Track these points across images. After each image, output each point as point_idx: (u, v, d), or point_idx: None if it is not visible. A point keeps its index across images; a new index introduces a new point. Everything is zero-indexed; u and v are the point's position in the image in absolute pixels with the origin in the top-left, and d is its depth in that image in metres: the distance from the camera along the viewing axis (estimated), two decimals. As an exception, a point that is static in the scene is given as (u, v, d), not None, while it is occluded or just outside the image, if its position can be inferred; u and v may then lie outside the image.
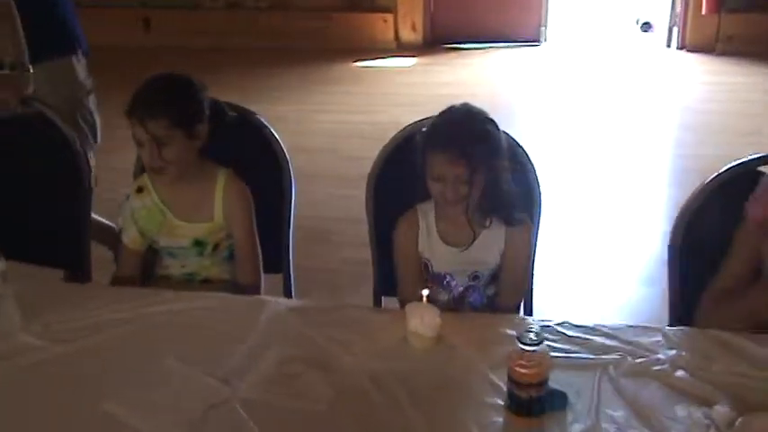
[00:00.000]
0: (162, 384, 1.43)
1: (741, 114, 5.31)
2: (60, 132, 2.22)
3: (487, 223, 1.81)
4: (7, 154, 2.26)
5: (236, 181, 2.03)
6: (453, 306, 1.87)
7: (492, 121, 1.80)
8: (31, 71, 2.40)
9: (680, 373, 1.44)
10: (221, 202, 2.00)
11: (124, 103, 1.91)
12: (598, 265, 3.45)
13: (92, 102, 2.83)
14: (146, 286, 2.11)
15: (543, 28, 7.08)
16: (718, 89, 5.84)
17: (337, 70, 6.49)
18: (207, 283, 2.06)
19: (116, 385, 1.43)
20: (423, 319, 1.53)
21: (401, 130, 2.06)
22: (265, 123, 2.20)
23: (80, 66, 2.79)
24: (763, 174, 1.71)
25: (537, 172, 2.02)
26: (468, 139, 1.71)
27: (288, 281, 2.24)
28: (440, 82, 6.18)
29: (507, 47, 6.98)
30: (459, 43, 6.97)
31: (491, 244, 1.83)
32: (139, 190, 2.03)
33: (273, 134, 2.20)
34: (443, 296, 1.88)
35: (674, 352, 1.50)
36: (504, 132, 1.89)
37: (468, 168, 1.69)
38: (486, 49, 6.94)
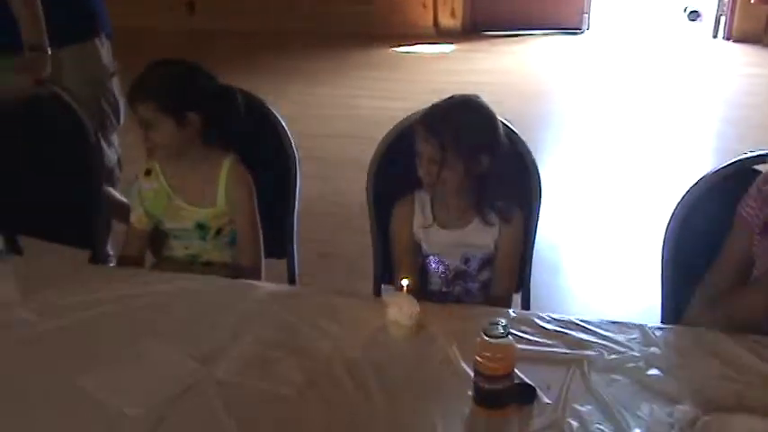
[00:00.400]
0: (138, 363, 1.48)
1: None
2: (75, 114, 2.29)
3: (471, 215, 1.86)
4: (23, 134, 2.34)
5: (239, 167, 2.07)
6: (446, 290, 1.89)
7: (488, 116, 1.81)
8: (49, 53, 2.46)
9: (653, 370, 1.43)
10: (224, 188, 2.05)
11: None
12: (632, 258, 3.42)
13: (115, 84, 2.89)
14: (154, 265, 2.19)
15: (586, 15, 6.99)
16: (761, 81, 5.70)
17: (375, 55, 6.51)
18: (209, 266, 2.11)
19: (94, 362, 1.48)
20: (401, 309, 1.55)
21: (401, 121, 2.07)
22: (272, 110, 2.22)
23: (104, 49, 2.84)
24: (758, 172, 1.68)
25: (537, 165, 2.01)
26: (446, 120, 1.76)
27: (291, 266, 2.28)
28: (478, 69, 6.16)
29: (548, 34, 6.91)
30: (499, 30, 6.92)
31: (485, 230, 1.87)
32: (147, 172, 2.09)
33: (280, 121, 2.22)
34: (435, 280, 1.91)
35: (650, 349, 1.49)
36: (505, 125, 1.90)
37: (440, 151, 1.74)
38: (527, 37, 6.89)
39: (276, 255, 2.24)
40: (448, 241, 1.88)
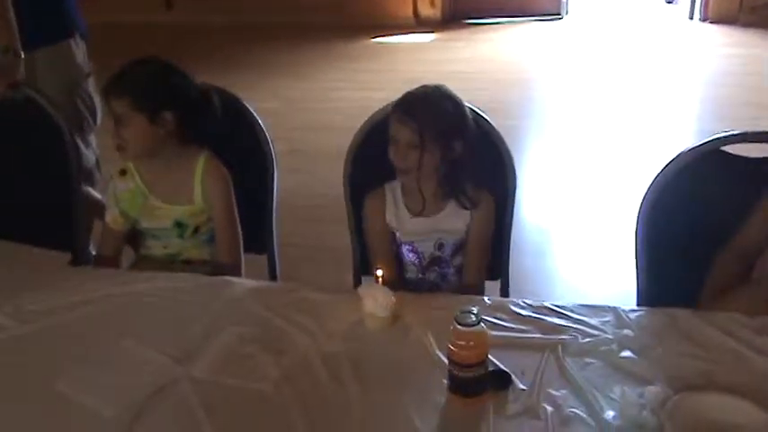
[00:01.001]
0: (116, 364, 1.49)
1: (760, 88, 5.21)
2: (50, 117, 2.28)
3: (443, 200, 1.89)
4: (-1, 138, 2.34)
5: (214, 163, 2.07)
6: (422, 276, 1.91)
7: (458, 103, 1.86)
8: (23, 56, 2.45)
9: (625, 352, 1.45)
10: (200, 184, 2.05)
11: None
12: (616, 240, 3.44)
13: (91, 85, 2.87)
14: (133, 264, 2.19)
15: (565, 1, 7.01)
16: (738, 61, 5.75)
17: (355, 47, 6.51)
18: (188, 264, 2.11)
19: (72, 365, 1.48)
20: (376, 300, 1.55)
21: (377, 111, 2.08)
22: (248, 106, 2.22)
23: (78, 49, 2.82)
24: (726, 153, 1.70)
25: (510, 152, 2.02)
26: (424, 107, 1.80)
27: (272, 261, 2.28)
28: (458, 58, 6.17)
29: (528, 21, 6.94)
30: (479, 18, 6.93)
31: (456, 215, 1.90)
32: (122, 172, 2.08)
33: (256, 117, 2.22)
34: (411, 267, 1.93)
35: (623, 331, 1.51)
36: (473, 111, 1.91)
37: (416, 133, 1.77)
38: (507, 25, 6.91)
39: (256, 250, 2.24)
40: (421, 228, 1.91)
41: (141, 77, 1.99)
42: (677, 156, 1.79)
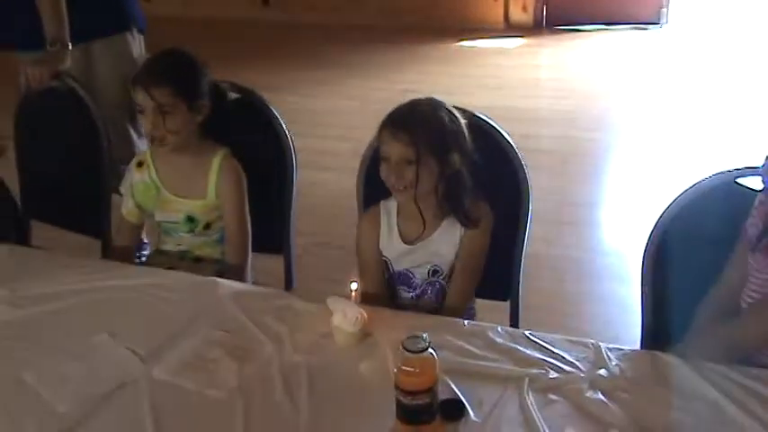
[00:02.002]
0: (83, 358, 1.50)
1: None
2: (87, 108, 2.35)
3: (440, 217, 1.79)
4: (39, 125, 2.43)
5: (231, 160, 2.08)
6: (415, 302, 1.84)
7: (454, 115, 1.76)
8: (70, 48, 2.52)
9: (594, 393, 1.35)
10: (215, 180, 2.06)
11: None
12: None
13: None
14: (148, 258, 2.23)
15: (664, 9, 6.71)
16: None
17: (439, 50, 6.45)
18: (198, 261, 2.13)
19: (41, 355, 1.51)
20: (345, 315, 1.51)
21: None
22: (268, 105, 2.21)
23: (135, 42, 2.89)
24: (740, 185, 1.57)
25: (525, 168, 1.93)
26: (415, 119, 1.71)
27: (288, 262, 2.27)
28: (544, 65, 6.02)
29: (624, 29, 6.68)
30: (572, 25, 6.73)
31: (449, 237, 1.80)
32: (139, 164, 2.12)
33: (277, 117, 2.21)
34: (406, 293, 1.85)
35: (598, 371, 1.41)
36: (486, 121, 1.83)
37: (411, 147, 1.67)
38: (600, 32, 6.68)
39: (273, 251, 2.24)
40: (414, 257, 1.81)
41: (178, 66, 2.02)
42: (689, 187, 1.66)
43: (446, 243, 1.80)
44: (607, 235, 3.65)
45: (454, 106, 1.80)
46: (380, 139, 1.75)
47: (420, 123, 1.70)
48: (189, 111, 1.98)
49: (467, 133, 1.75)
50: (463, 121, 1.76)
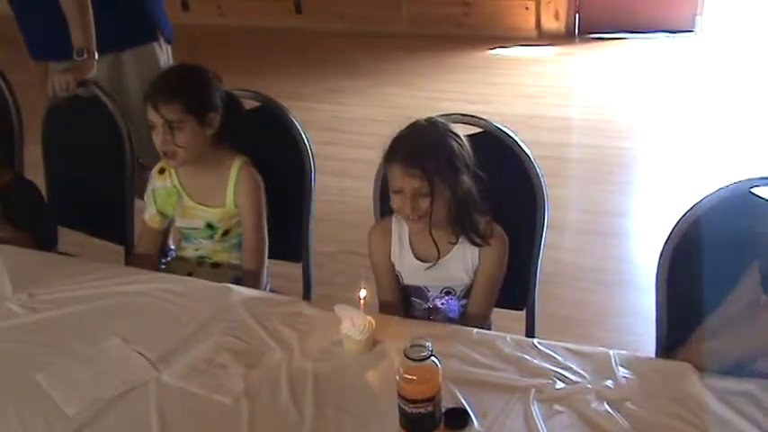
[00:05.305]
0: (95, 361, 1.53)
1: None
2: (111, 116, 2.40)
3: (453, 240, 1.76)
4: (65, 132, 2.48)
5: (249, 169, 2.10)
6: (429, 315, 1.83)
7: (456, 135, 1.72)
8: (96, 57, 2.57)
9: (601, 405, 1.34)
10: (233, 188, 2.08)
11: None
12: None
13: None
14: (167, 264, 2.26)
15: (699, 17, 6.61)
16: None
17: (470, 58, 6.42)
18: (217, 267, 2.15)
19: (57, 358, 1.54)
20: (354, 323, 1.52)
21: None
22: (287, 112, 2.23)
23: (162, 52, 2.94)
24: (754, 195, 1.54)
25: (541, 178, 1.92)
26: (424, 150, 1.66)
27: (307, 270, 2.28)
28: (576, 73, 5.95)
29: (656, 37, 6.59)
30: (605, 32, 6.66)
31: (462, 260, 1.77)
32: (161, 171, 2.15)
33: (296, 124, 2.22)
34: (419, 305, 1.85)
35: (605, 381, 1.39)
36: (502, 130, 1.80)
37: (425, 180, 1.63)
38: (633, 40, 6.59)
39: (293, 258, 2.26)
40: (425, 275, 1.80)
41: (186, 82, 2.04)
42: (702, 199, 1.64)
43: (459, 266, 1.78)
44: (636, 245, 3.60)
45: (461, 114, 1.77)
46: (390, 174, 1.71)
47: (430, 153, 1.65)
48: (199, 125, 2.00)
49: (470, 149, 1.71)
50: (464, 137, 1.72)
